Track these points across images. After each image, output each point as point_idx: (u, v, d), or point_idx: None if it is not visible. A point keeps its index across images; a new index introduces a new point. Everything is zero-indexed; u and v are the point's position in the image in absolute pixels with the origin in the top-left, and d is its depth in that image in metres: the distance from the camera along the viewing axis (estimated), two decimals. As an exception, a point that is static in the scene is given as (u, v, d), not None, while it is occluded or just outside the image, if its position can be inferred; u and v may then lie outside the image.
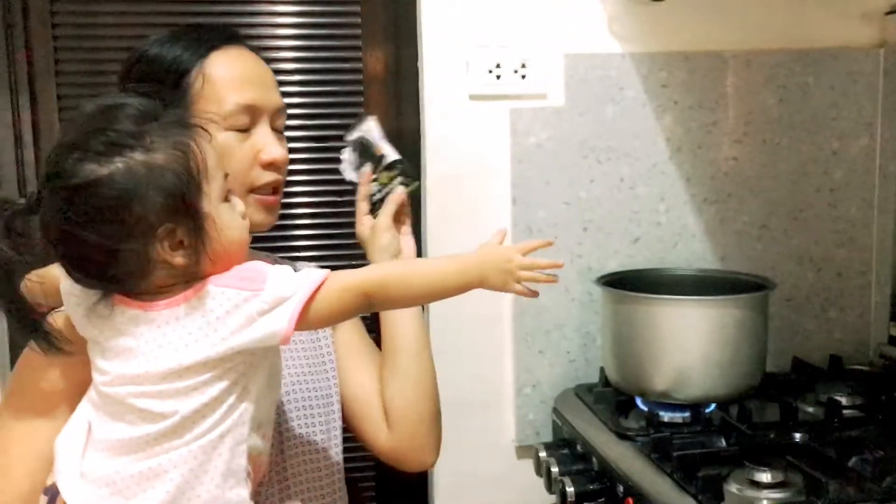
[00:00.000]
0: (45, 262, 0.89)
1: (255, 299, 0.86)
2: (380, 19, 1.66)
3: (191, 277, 0.87)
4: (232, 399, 0.86)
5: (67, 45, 1.59)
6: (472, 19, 1.57)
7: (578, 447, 1.42)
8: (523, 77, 1.58)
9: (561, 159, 1.60)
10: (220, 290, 0.86)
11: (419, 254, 1.67)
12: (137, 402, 0.85)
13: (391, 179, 1.20)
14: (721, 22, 1.64)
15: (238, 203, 0.94)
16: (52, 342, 0.88)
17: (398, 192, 1.20)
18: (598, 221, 1.63)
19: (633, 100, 1.62)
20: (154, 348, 0.85)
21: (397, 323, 1.17)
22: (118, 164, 0.82)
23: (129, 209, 0.81)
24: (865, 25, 1.68)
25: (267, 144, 1.07)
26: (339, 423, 1.17)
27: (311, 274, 0.90)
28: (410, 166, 1.22)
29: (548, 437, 1.60)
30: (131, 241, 0.83)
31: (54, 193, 0.82)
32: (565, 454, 1.44)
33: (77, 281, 0.87)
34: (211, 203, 0.87)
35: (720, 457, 1.20)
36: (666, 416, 1.39)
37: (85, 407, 0.91)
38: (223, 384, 0.86)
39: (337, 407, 1.18)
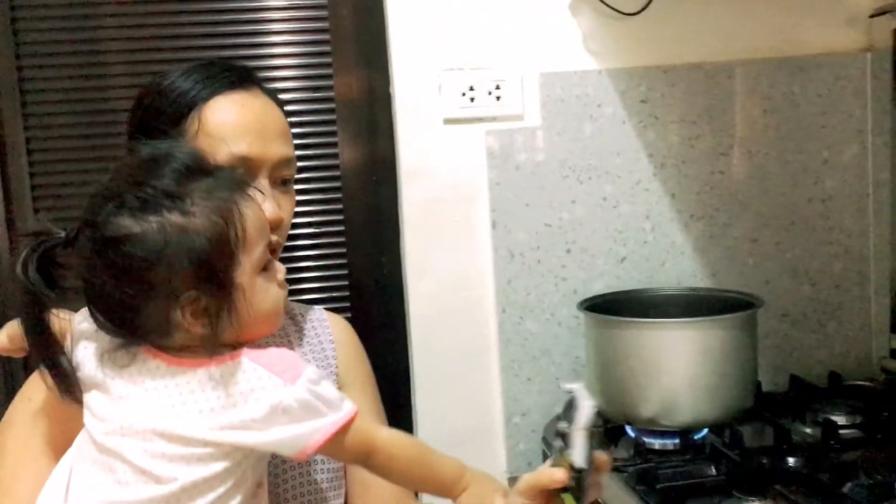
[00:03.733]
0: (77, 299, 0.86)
1: (284, 390, 0.80)
2: (350, 43, 1.63)
3: (212, 343, 0.82)
4: (231, 482, 0.80)
5: (33, 88, 1.57)
6: (444, 41, 1.54)
7: (566, 478, 1.37)
8: (498, 98, 1.55)
9: (540, 180, 1.56)
10: (252, 367, 0.81)
11: (400, 282, 1.65)
12: (137, 458, 0.79)
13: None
14: (699, 33, 1.59)
15: (279, 270, 0.90)
16: (67, 383, 0.84)
17: (552, 474, 0.88)
18: (582, 242, 1.58)
19: (612, 116, 1.57)
20: (168, 405, 0.80)
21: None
22: (152, 223, 0.78)
23: (154, 271, 0.78)
24: (850, 29, 1.63)
25: (261, 203, 0.98)
26: None
27: (338, 398, 0.83)
28: (588, 483, 0.89)
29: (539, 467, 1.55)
30: (154, 301, 0.79)
31: (86, 240, 0.80)
32: (553, 486, 1.38)
33: (101, 327, 0.83)
34: (245, 274, 0.83)
35: (707, 487, 1.15)
36: (656, 443, 1.34)
37: (68, 461, 0.86)
38: (227, 463, 0.80)
39: None
